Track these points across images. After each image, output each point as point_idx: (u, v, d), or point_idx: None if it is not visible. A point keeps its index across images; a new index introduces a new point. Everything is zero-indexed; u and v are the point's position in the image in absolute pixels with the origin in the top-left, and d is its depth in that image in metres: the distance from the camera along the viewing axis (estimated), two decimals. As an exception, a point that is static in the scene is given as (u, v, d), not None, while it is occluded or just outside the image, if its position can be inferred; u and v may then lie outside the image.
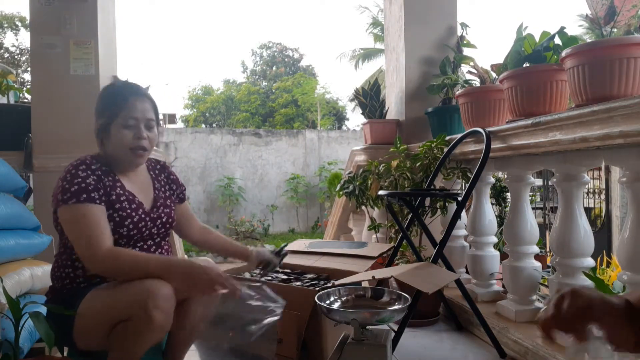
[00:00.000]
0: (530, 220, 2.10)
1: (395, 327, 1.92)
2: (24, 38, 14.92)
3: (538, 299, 2.11)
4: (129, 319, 1.31)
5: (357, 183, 3.00)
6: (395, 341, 1.86)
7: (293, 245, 2.57)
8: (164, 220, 1.56)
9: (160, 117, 1.62)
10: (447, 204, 2.52)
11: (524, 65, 2.01)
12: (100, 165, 1.48)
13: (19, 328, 1.39)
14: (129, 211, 1.46)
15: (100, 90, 1.56)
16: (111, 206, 1.43)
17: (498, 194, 3.27)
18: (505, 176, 2.32)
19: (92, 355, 1.43)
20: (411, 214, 2.28)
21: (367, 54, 16.71)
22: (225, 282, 1.37)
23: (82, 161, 1.45)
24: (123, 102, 1.46)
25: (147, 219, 1.51)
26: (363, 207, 3.14)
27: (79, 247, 1.37)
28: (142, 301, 1.28)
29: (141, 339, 1.31)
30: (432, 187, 2.44)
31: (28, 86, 3.14)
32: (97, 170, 1.45)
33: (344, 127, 19.48)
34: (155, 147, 1.59)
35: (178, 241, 3.12)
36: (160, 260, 1.43)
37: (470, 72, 2.67)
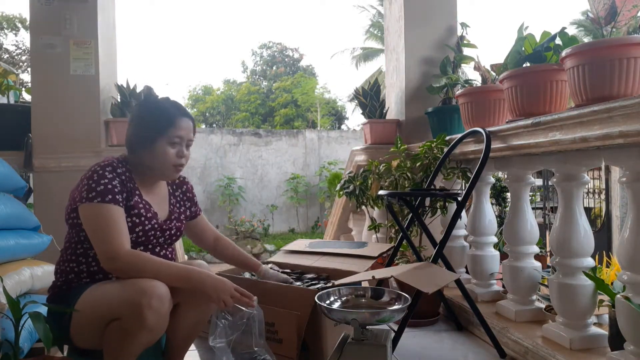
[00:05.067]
0: (530, 220, 2.10)
1: (395, 327, 1.92)
2: (24, 38, 14.92)
3: (538, 299, 2.11)
4: (121, 317, 1.31)
5: (357, 183, 3.00)
6: (395, 341, 1.86)
7: (293, 245, 2.57)
8: (172, 232, 1.61)
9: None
10: (447, 204, 2.52)
11: (524, 65, 2.01)
12: (125, 171, 1.51)
13: (19, 328, 1.39)
14: (142, 219, 1.49)
15: (143, 100, 1.61)
16: (128, 211, 1.46)
17: (498, 194, 3.27)
18: (505, 176, 2.32)
19: (91, 354, 1.43)
20: (411, 214, 2.28)
21: (366, 54, 16.72)
22: (240, 297, 1.44)
23: (109, 163, 1.48)
24: (172, 119, 1.52)
25: (158, 229, 1.55)
26: (363, 207, 3.14)
27: (100, 244, 1.38)
28: (135, 301, 1.29)
29: (134, 339, 1.31)
30: (432, 187, 2.44)
31: (28, 86, 3.13)
32: (122, 174, 1.49)
33: (343, 127, 19.48)
34: None
35: (178, 241, 3.12)
36: (181, 268, 1.44)
37: (475, 69, 2.66)
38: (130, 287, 1.33)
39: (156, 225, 1.54)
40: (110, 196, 1.41)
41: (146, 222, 1.50)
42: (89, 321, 1.38)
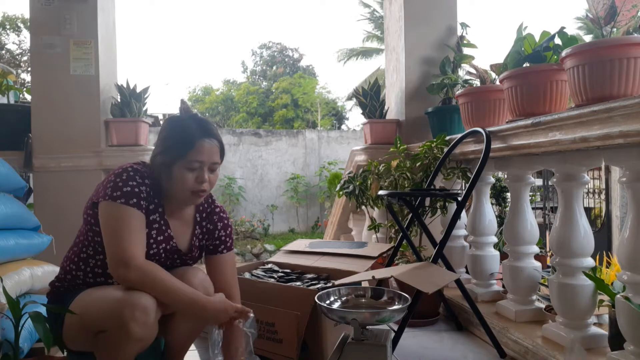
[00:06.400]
0: (530, 220, 2.10)
1: (395, 327, 1.92)
2: (25, 38, 14.91)
3: (538, 299, 2.11)
4: (107, 330, 1.30)
5: (357, 183, 3.00)
6: (395, 341, 1.86)
7: (293, 245, 2.57)
8: (175, 264, 1.53)
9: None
10: (447, 204, 2.52)
11: (524, 65, 2.01)
12: (152, 184, 1.43)
13: (19, 328, 1.39)
14: (151, 241, 1.43)
15: (169, 118, 1.50)
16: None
17: (498, 194, 3.27)
18: (505, 176, 2.32)
19: (89, 355, 1.44)
20: (411, 214, 2.28)
21: (365, 52, 16.72)
22: (239, 315, 1.41)
23: (142, 170, 1.42)
24: (192, 142, 1.39)
25: (164, 255, 1.48)
26: (363, 207, 3.14)
27: (114, 248, 1.32)
28: (118, 313, 1.26)
29: (121, 350, 1.30)
30: (432, 187, 2.44)
31: (28, 86, 3.13)
32: (149, 187, 1.42)
33: (344, 127, 19.48)
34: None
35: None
36: (188, 295, 1.36)
37: (469, 73, 2.67)
38: (115, 299, 1.30)
39: (162, 251, 1.47)
40: (135, 199, 1.35)
41: (153, 245, 1.44)
42: (78, 328, 1.37)
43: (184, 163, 1.39)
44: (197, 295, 1.38)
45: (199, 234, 1.57)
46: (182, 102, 1.54)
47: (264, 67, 21.77)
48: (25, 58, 14.41)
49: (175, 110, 1.60)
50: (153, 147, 1.50)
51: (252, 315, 1.44)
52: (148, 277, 1.31)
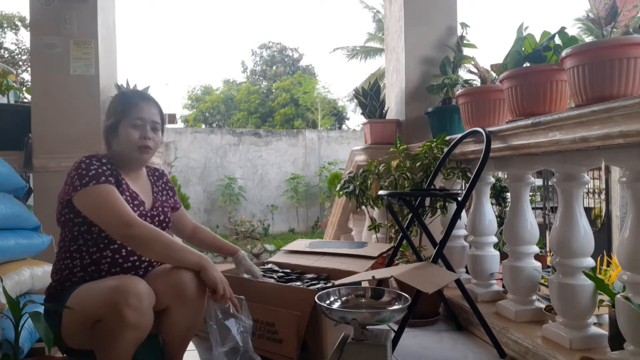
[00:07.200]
0: (530, 220, 2.10)
1: (395, 327, 1.92)
2: (24, 37, 14.89)
3: (538, 299, 2.11)
4: (102, 319, 1.32)
5: (357, 183, 3.00)
6: (395, 341, 1.86)
7: (293, 245, 2.57)
8: (161, 218, 1.65)
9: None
10: (447, 204, 2.52)
11: (524, 65, 2.01)
12: (108, 162, 1.56)
13: (19, 328, 1.39)
14: (131, 206, 1.52)
15: (113, 96, 1.68)
16: None
17: (498, 194, 3.27)
18: (505, 176, 2.32)
19: (88, 354, 1.44)
20: (411, 214, 2.28)
21: (366, 52, 16.72)
22: (227, 296, 1.48)
23: (93, 155, 1.54)
24: (132, 104, 1.59)
25: (148, 215, 1.59)
26: (363, 207, 3.14)
27: (111, 217, 1.42)
28: (112, 300, 1.30)
29: (120, 339, 1.31)
30: (432, 187, 2.44)
31: (28, 86, 3.13)
32: (107, 164, 1.54)
33: (344, 127, 19.48)
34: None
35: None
36: (192, 248, 1.52)
37: (470, 72, 2.66)
38: (108, 287, 1.34)
39: (144, 212, 1.58)
40: (103, 178, 1.47)
41: (135, 210, 1.54)
42: (76, 323, 1.39)
43: (128, 121, 1.57)
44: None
45: (158, 191, 1.74)
46: (117, 85, 1.73)
47: (264, 67, 21.77)
48: (24, 57, 14.40)
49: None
50: None
51: (242, 311, 1.50)
52: (151, 229, 1.43)
